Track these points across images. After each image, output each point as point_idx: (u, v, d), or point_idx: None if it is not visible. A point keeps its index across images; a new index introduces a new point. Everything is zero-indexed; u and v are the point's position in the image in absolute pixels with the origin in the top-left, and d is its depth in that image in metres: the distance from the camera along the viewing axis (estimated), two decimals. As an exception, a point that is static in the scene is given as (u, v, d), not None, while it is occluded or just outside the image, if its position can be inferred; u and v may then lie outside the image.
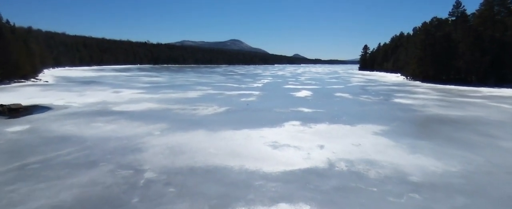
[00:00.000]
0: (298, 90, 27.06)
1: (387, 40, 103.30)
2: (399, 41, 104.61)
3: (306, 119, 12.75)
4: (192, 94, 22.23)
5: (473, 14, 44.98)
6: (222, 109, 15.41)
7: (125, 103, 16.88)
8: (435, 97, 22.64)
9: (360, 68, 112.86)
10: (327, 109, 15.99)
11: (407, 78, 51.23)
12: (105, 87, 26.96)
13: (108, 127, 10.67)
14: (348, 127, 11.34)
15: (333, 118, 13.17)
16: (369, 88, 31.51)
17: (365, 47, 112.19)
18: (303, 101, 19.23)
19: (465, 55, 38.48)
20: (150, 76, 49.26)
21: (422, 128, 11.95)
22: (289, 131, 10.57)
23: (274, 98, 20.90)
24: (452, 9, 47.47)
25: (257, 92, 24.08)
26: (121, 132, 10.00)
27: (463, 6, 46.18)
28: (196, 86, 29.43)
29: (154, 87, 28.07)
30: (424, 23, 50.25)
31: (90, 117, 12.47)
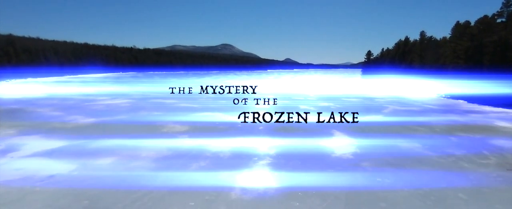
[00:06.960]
0: (324, 130, 17.22)
1: (384, 45, 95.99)
2: (406, 46, 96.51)
3: None
4: (144, 158, 12.11)
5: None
6: None
7: None
8: None
9: (363, 74, 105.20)
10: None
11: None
12: (14, 129, 16.61)
13: None
14: None
15: None
16: (420, 119, 21.87)
17: (369, 53, 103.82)
18: (361, 180, 9.34)
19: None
20: (118, 94, 38.91)
21: None
22: None
23: (304, 171, 11.04)
24: (501, 8, 38.17)
25: (264, 146, 14.03)
26: None
27: (516, 4, 36.86)
28: (167, 122, 19.29)
29: (95, 130, 17.55)
30: (467, 26, 40.55)
31: None
